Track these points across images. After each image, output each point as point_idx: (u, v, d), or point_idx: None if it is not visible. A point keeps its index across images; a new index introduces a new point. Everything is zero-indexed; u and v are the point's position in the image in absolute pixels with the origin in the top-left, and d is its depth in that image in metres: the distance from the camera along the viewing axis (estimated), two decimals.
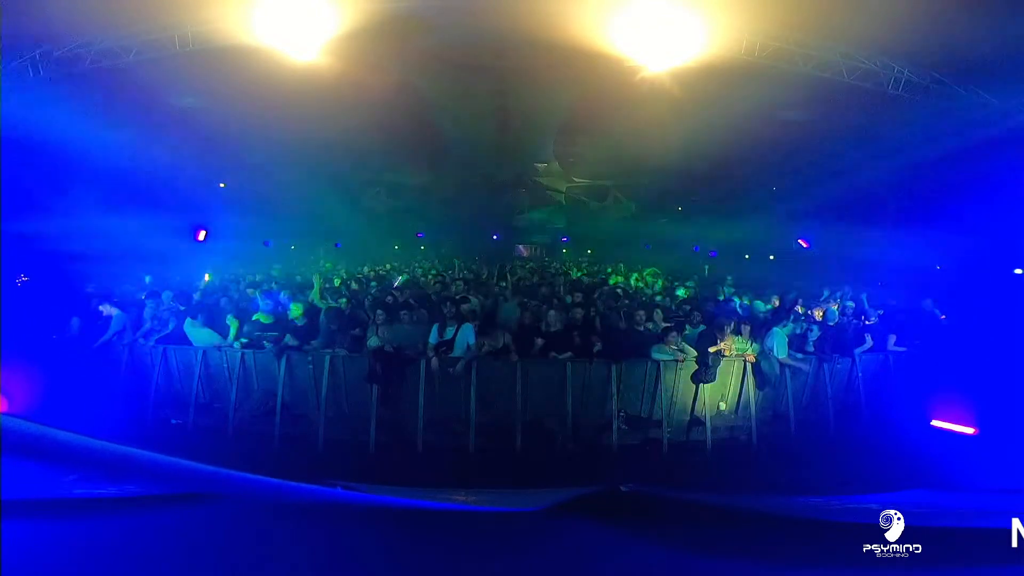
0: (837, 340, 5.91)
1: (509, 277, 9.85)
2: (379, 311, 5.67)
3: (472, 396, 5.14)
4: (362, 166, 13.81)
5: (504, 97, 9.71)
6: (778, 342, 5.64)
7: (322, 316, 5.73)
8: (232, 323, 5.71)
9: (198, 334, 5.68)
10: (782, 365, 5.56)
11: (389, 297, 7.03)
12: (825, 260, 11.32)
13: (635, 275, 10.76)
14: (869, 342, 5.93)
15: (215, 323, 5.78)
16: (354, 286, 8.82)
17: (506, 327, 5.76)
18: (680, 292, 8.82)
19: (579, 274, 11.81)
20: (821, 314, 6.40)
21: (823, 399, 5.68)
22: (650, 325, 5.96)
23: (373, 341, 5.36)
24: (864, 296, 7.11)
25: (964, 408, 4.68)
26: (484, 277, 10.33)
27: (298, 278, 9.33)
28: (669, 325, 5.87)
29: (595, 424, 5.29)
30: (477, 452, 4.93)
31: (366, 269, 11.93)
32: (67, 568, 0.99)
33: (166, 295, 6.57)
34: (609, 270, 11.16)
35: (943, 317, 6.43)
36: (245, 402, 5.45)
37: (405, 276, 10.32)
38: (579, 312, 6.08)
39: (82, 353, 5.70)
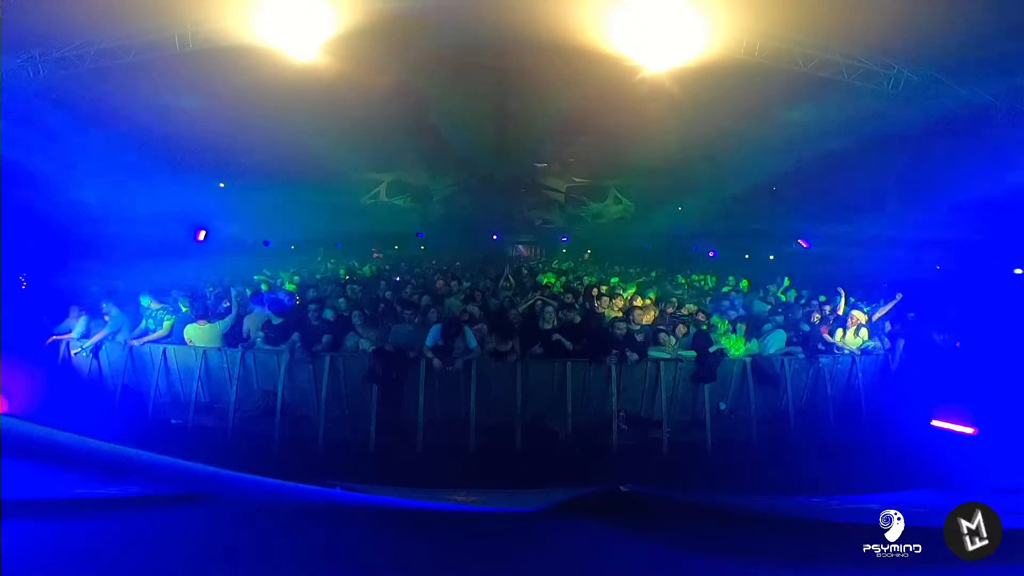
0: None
1: (512, 280, 9.77)
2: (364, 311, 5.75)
3: (472, 396, 5.13)
4: (362, 166, 13.80)
5: (504, 97, 9.69)
6: (775, 337, 5.68)
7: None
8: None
9: (198, 334, 5.68)
10: (782, 363, 5.58)
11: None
12: (825, 260, 11.30)
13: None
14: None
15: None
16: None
17: (509, 327, 5.76)
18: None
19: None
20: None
21: (823, 399, 5.68)
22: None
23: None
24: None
25: (964, 408, 4.67)
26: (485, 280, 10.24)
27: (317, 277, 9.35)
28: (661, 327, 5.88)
29: (595, 424, 5.29)
30: (477, 452, 4.93)
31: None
32: (67, 568, 0.99)
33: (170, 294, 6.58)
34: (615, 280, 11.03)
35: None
36: (245, 402, 5.45)
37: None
38: (575, 313, 6.07)
39: (81, 351, 5.70)
